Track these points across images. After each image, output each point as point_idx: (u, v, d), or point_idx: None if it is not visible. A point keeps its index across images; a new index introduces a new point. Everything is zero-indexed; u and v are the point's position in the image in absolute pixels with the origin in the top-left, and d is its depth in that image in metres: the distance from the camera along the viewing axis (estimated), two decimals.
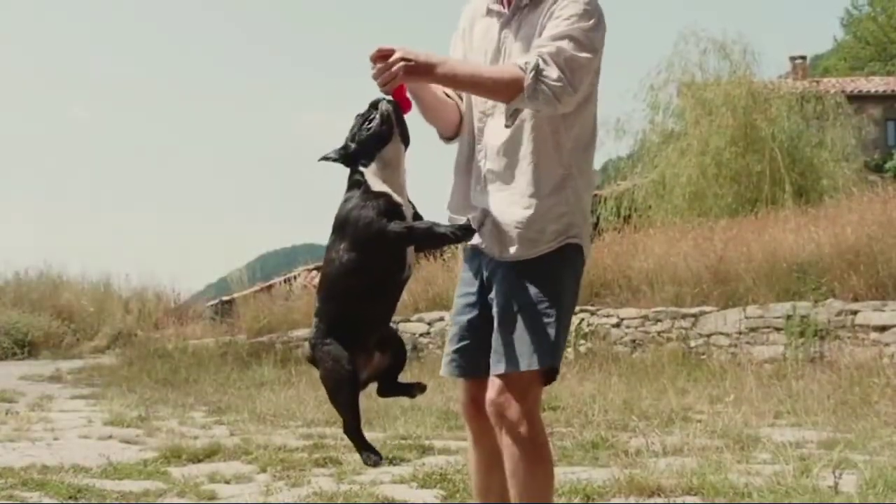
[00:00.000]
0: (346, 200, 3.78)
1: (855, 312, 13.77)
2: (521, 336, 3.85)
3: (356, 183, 3.78)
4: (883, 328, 13.45)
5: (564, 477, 6.61)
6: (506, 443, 3.84)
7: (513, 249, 3.89)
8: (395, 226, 3.67)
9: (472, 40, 4.10)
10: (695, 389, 11.70)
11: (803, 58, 49.76)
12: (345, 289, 3.77)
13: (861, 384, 11.05)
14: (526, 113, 3.87)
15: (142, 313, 25.67)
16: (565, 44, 3.74)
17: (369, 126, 3.78)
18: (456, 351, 4.09)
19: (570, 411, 10.16)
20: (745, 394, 10.76)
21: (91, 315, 25.11)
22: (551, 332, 3.86)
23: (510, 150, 3.91)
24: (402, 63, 3.62)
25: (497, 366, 3.86)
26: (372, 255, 3.71)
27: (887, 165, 40.39)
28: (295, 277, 27.99)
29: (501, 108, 3.89)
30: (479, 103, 4.01)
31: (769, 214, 20.35)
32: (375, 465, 3.83)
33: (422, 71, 3.68)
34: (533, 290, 3.88)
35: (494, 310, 3.93)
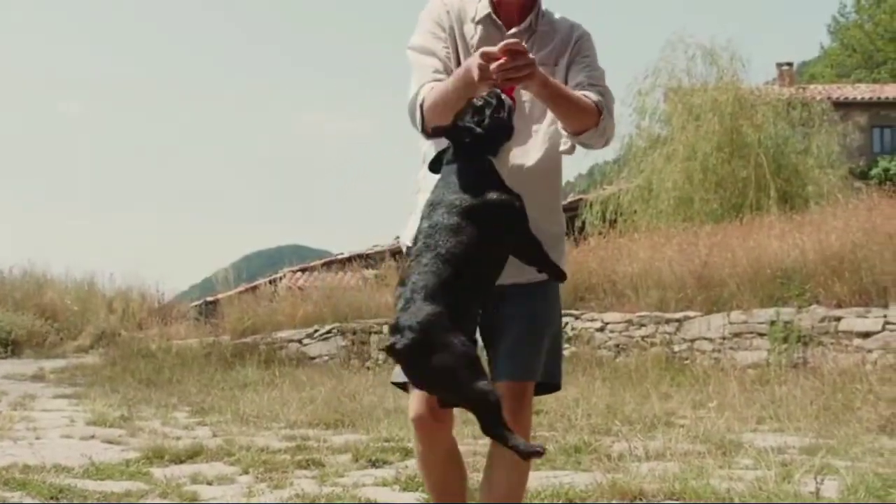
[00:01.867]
0: (482, 187, 3.51)
1: (838, 319, 13.82)
2: (542, 350, 3.95)
3: (492, 171, 3.57)
4: (866, 335, 13.50)
5: (547, 481, 6.61)
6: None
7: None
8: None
9: (464, 43, 3.97)
10: (678, 394, 11.73)
11: (790, 64, 49.97)
12: (473, 276, 3.49)
13: (844, 390, 11.07)
14: (556, 138, 3.92)
15: (126, 313, 25.60)
16: (606, 89, 3.90)
17: (499, 115, 3.58)
18: None
19: (553, 415, 10.16)
20: (727, 399, 10.79)
21: (75, 314, 25.02)
22: (562, 346, 4.16)
23: (541, 172, 3.92)
24: (534, 66, 3.52)
25: (520, 374, 3.89)
26: (505, 252, 3.59)
27: (872, 172, 40.56)
28: (280, 278, 28.01)
29: (522, 128, 3.84)
30: None
31: (754, 220, 20.39)
32: (541, 454, 3.45)
33: (541, 79, 3.60)
34: (551, 307, 4.03)
35: (517, 323, 3.90)
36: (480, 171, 3.55)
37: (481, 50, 3.52)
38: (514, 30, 3.96)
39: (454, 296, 3.40)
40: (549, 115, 3.91)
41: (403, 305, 3.40)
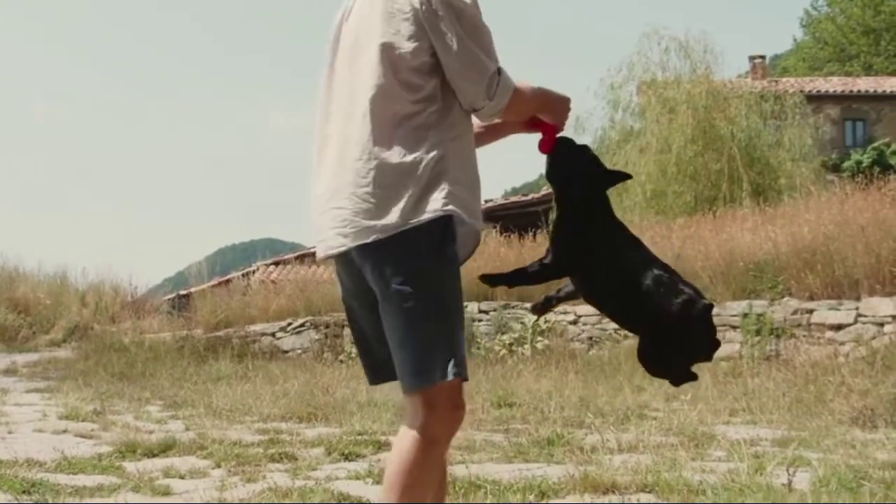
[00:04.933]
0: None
1: (811, 311, 13.89)
2: None
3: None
4: (838, 327, 13.57)
5: (519, 473, 6.62)
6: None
7: None
8: None
9: None
10: (651, 387, 11.71)
11: (763, 57, 50.26)
12: None
13: (816, 382, 11.11)
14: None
15: (98, 307, 25.42)
16: None
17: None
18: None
19: (526, 408, 10.17)
20: (700, 391, 10.80)
21: (47, 308, 24.84)
22: None
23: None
24: None
25: None
26: None
27: (845, 165, 40.79)
28: (253, 272, 27.92)
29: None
30: None
31: (727, 213, 20.46)
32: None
33: None
34: None
35: None
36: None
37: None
38: None
39: None
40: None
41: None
